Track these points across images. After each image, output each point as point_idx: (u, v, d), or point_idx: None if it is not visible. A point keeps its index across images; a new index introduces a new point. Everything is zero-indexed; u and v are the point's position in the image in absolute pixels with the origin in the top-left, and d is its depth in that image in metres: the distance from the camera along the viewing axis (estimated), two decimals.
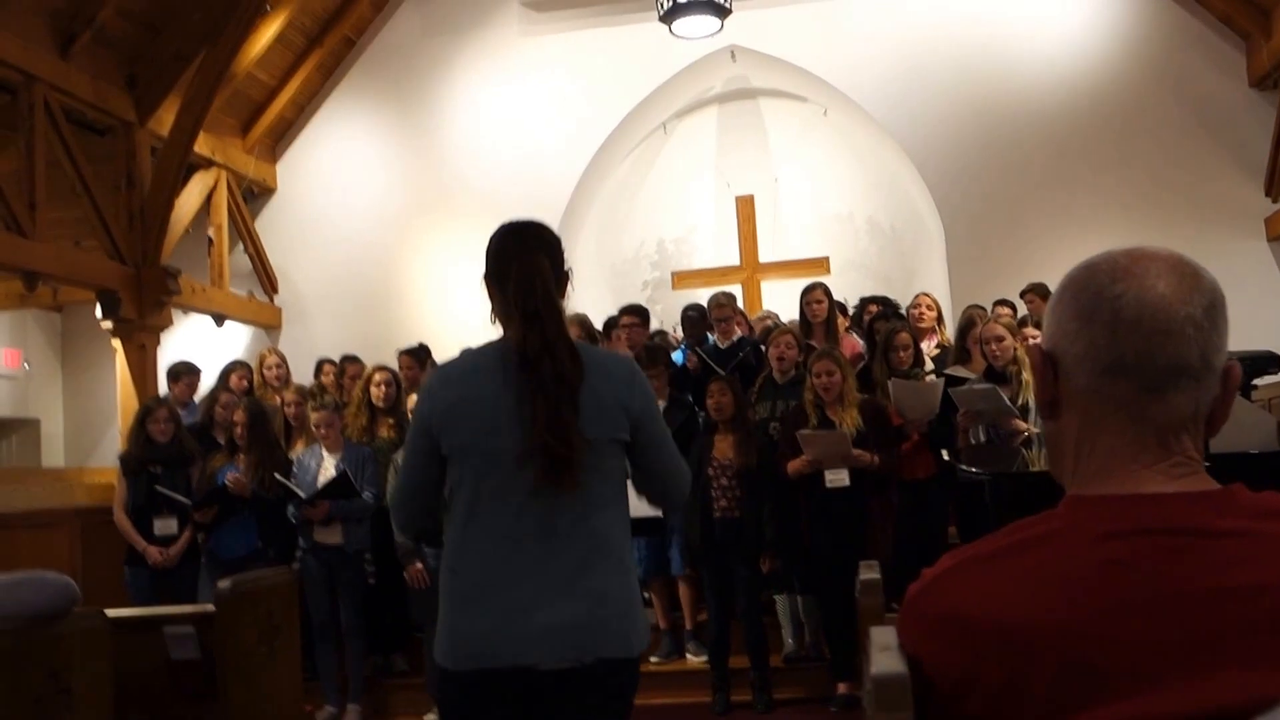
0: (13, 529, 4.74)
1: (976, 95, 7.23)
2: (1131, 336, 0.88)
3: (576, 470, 1.63)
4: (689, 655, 4.81)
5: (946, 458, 4.39)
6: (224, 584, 2.41)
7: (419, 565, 4.48)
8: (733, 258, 7.81)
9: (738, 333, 5.26)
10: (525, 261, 1.71)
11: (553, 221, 7.63)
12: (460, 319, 6.91)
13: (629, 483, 1.81)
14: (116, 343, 6.57)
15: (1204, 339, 0.89)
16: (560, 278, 1.77)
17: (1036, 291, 5.70)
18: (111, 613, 2.12)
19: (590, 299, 7.44)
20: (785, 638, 4.73)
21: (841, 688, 4.28)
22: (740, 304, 6.20)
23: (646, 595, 5.10)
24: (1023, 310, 5.54)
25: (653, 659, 4.86)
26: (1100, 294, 0.91)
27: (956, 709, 0.88)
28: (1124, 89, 7.08)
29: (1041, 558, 0.87)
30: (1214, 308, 0.90)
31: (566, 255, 1.82)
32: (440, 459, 1.71)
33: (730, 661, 4.48)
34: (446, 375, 1.78)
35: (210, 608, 2.39)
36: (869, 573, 1.62)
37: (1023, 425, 3.94)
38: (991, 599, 0.86)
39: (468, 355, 1.78)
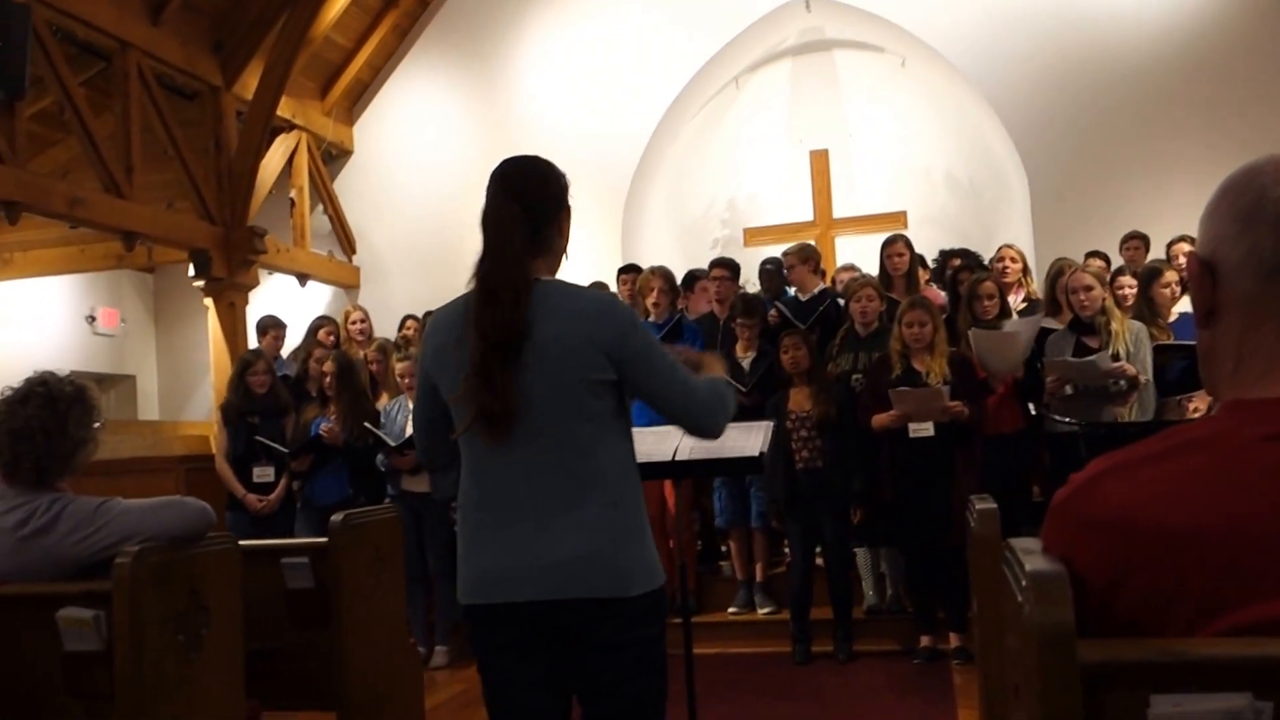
0: (121, 475, 5.00)
1: (1064, 40, 6.95)
2: None
3: (506, 421, 1.64)
4: (757, 608, 4.85)
5: (1034, 411, 4.32)
6: (336, 518, 2.53)
7: None
8: (806, 213, 7.72)
9: (819, 284, 5.22)
10: (491, 207, 1.73)
11: (624, 179, 7.55)
12: None
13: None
14: (208, 301, 6.83)
15: None
16: (543, 217, 1.75)
17: (1140, 239, 5.52)
18: None
19: (661, 257, 7.44)
20: (866, 590, 4.75)
21: (924, 640, 4.28)
22: None
23: (725, 547, 5.16)
24: (1118, 261, 5.38)
25: (730, 609, 4.92)
26: (1263, 195, 0.89)
27: (1108, 609, 0.88)
28: (1221, 30, 6.71)
29: (1200, 461, 0.87)
30: None
31: (565, 188, 1.79)
32: (440, 401, 1.76)
33: (810, 613, 4.52)
34: (434, 322, 1.83)
35: (324, 541, 2.52)
36: (984, 504, 1.62)
37: (1130, 369, 3.81)
38: (1148, 500, 0.87)
39: (452, 302, 1.80)
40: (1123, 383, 3.80)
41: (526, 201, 1.73)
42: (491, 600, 1.69)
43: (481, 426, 1.66)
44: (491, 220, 1.72)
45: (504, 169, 1.78)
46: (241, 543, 2.20)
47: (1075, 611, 0.89)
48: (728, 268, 5.26)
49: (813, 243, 6.05)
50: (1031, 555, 0.92)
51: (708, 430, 1.80)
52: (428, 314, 6.14)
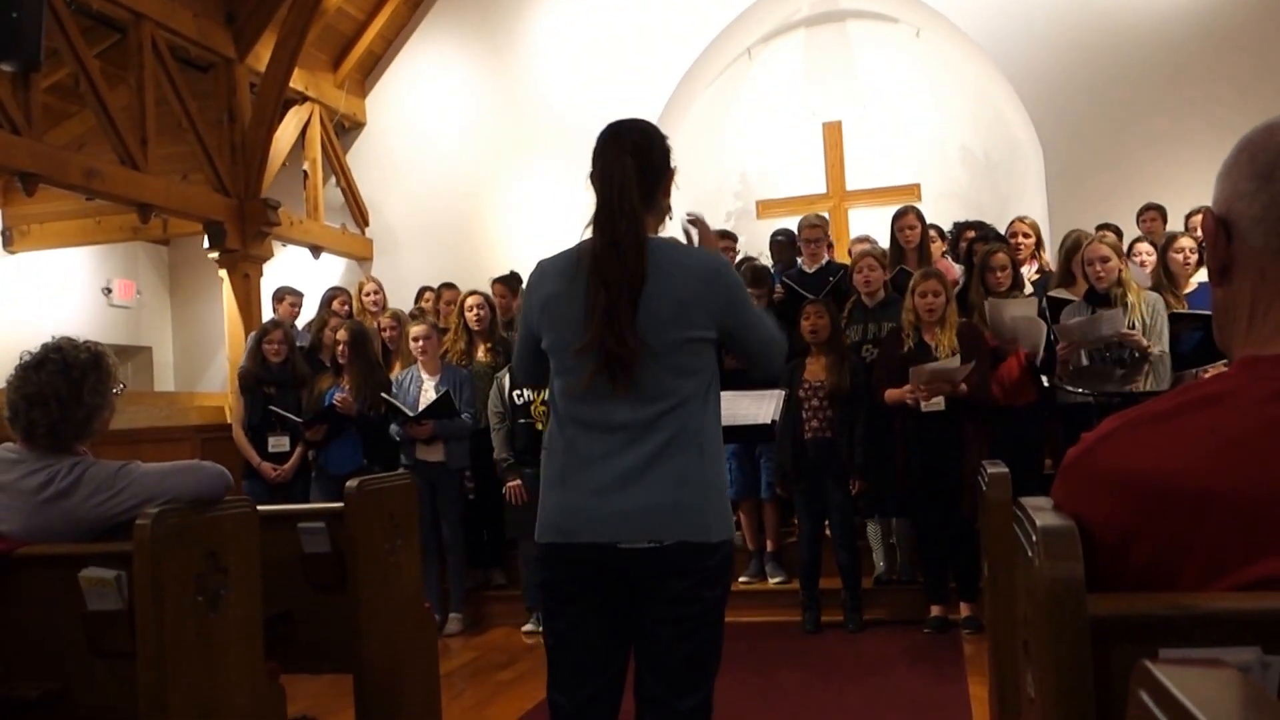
0: (139, 444, 5.07)
1: (1080, 9, 6.84)
2: None
3: (630, 369, 1.69)
4: (768, 577, 4.88)
5: (1046, 384, 4.30)
6: (352, 483, 2.55)
7: (517, 482, 4.63)
8: (819, 186, 7.68)
9: (825, 257, 5.21)
10: (608, 162, 1.77)
11: None
12: (549, 247, 6.96)
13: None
14: (223, 272, 6.86)
15: None
16: (654, 176, 1.81)
17: (1157, 210, 5.47)
18: None
19: (674, 229, 7.41)
20: (876, 560, 4.77)
21: (935, 610, 4.30)
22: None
23: (736, 518, 5.19)
24: (1132, 234, 5.33)
25: (741, 579, 4.95)
26: None
27: (1119, 563, 0.89)
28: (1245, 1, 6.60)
29: (1212, 417, 0.87)
30: None
31: (670, 152, 1.86)
32: (542, 353, 1.84)
33: (819, 583, 4.54)
34: (543, 270, 1.88)
35: (340, 506, 2.54)
36: (996, 468, 1.63)
37: (1140, 339, 3.79)
38: (1161, 456, 0.87)
39: (562, 252, 1.86)
40: (1135, 354, 3.77)
41: (640, 159, 1.77)
42: (572, 540, 1.73)
43: (605, 374, 1.70)
44: (607, 175, 1.76)
45: (615, 129, 1.83)
46: (259, 508, 2.22)
47: (1088, 567, 0.90)
48: (730, 238, 5.32)
49: (825, 215, 6.03)
50: (1042, 511, 0.93)
51: (773, 370, 1.92)
52: (444, 285, 6.16)
